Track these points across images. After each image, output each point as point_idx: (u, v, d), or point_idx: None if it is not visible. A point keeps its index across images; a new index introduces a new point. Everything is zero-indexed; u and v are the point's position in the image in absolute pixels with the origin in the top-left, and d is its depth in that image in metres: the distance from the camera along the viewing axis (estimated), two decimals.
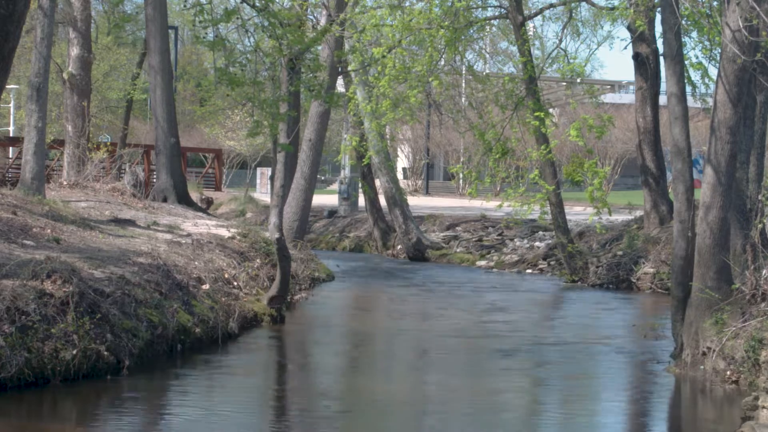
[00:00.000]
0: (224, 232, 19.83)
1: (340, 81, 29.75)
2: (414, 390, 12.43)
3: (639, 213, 27.49)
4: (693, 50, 24.38)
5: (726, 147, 12.84)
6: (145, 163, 39.12)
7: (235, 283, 16.66)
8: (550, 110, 25.64)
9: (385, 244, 31.56)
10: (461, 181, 51.93)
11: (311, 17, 24.30)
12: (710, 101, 21.63)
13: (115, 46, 43.82)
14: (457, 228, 32.13)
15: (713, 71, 23.42)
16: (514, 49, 29.44)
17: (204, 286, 15.26)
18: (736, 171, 13.57)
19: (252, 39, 15.81)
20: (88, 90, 28.96)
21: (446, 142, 55.86)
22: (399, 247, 30.75)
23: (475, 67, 33.94)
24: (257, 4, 15.39)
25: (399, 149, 56.04)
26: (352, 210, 36.65)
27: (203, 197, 32.47)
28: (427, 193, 55.38)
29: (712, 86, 17.48)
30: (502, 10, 25.55)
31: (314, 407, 11.65)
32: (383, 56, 23.64)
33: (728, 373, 12.39)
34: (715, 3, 17.23)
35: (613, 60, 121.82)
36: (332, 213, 36.77)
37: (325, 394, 12.41)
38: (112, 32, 39.92)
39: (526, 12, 25.69)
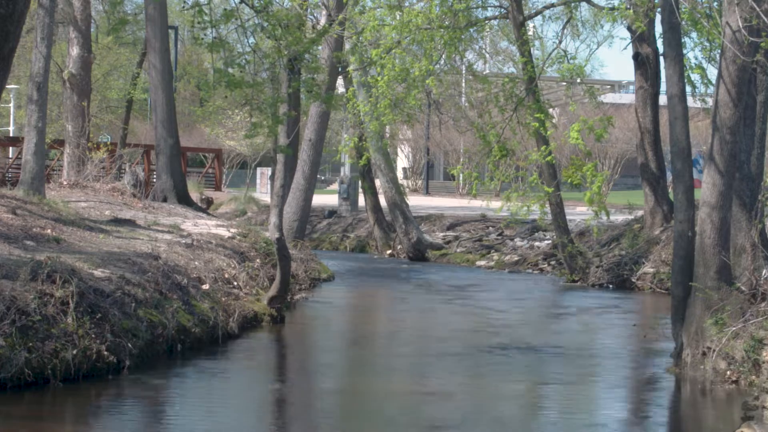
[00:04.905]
0: (224, 232, 19.84)
1: (340, 81, 29.77)
2: (414, 390, 12.43)
3: (639, 213, 27.49)
4: (692, 51, 24.35)
5: (726, 147, 12.85)
6: (145, 163, 39.15)
7: (235, 283, 16.66)
8: (550, 110, 25.62)
9: (386, 244, 31.59)
10: (461, 181, 51.96)
11: (311, 18, 24.30)
12: (710, 101, 21.63)
13: (115, 46, 43.82)
14: (457, 228, 32.17)
15: (713, 71, 23.44)
16: (515, 49, 29.43)
17: (204, 286, 15.26)
18: (736, 171, 13.58)
19: (251, 40, 15.81)
20: (88, 90, 28.96)
21: (446, 142, 55.89)
22: (399, 247, 30.77)
23: (475, 67, 33.95)
24: (256, 5, 15.39)
25: (399, 149, 56.05)
26: (352, 210, 36.70)
27: (203, 197, 32.52)
28: (427, 193, 55.42)
29: (712, 86, 17.48)
30: (502, 10, 25.56)
31: (314, 407, 11.65)
32: (381, 57, 23.64)
33: (728, 373, 12.39)
34: (715, 3, 17.23)
35: (613, 60, 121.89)
36: (332, 213, 36.80)
37: (325, 394, 12.41)
38: (111, 33, 39.89)
39: (526, 12, 25.69)
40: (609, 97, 55.91)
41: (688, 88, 19.18)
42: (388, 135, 37.15)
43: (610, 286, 23.39)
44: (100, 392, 11.38)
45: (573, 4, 26.40)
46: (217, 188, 46.70)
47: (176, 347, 13.35)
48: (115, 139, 39.02)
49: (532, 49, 24.90)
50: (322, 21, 23.91)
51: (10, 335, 10.99)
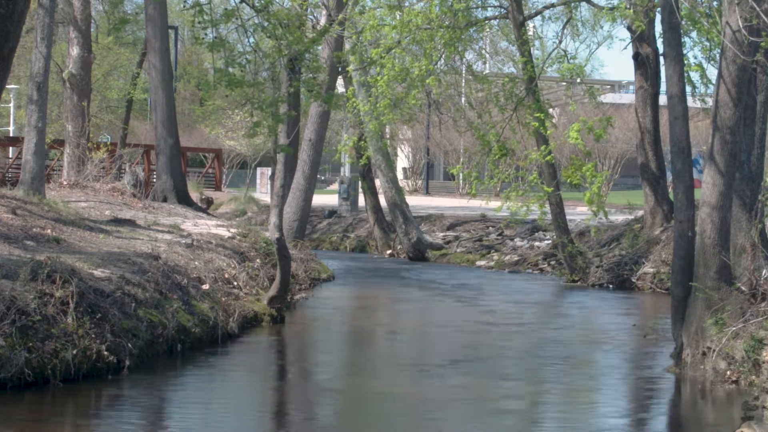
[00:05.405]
0: (224, 232, 19.84)
1: (340, 81, 29.78)
2: (414, 390, 12.43)
3: (639, 213, 27.48)
4: (692, 50, 24.34)
5: (726, 147, 12.85)
6: (145, 163, 39.15)
7: (235, 283, 16.66)
8: (550, 110, 25.61)
9: (386, 244, 31.60)
10: (461, 181, 51.97)
11: (311, 18, 24.30)
12: (710, 101, 21.63)
13: (115, 46, 43.81)
14: (457, 228, 32.18)
15: (712, 71, 23.44)
16: (515, 49, 29.44)
17: (204, 286, 15.26)
18: (736, 171, 13.58)
19: (252, 39, 15.82)
20: (88, 90, 28.96)
21: (446, 142, 55.89)
22: (399, 247, 30.78)
23: (475, 67, 33.94)
24: (257, 5, 15.40)
25: (399, 149, 56.04)
26: (352, 210, 36.70)
27: (203, 197, 32.50)
28: (427, 193, 55.42)
29: (712, 86, 17.49)
30: (502, 10, 25.56)
31: (314, 407, 11.65)
32: (381, 57, 23.65)
33: (728, 373, 12.39)
34: (715, 3, 17.24)
35: (613, 60, 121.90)
36: (332, 213, 36.80)
37: (325, 394, 12.41)
38: (112, 32, 39.91)
39: (526, 12, 25.69)
40: (609, 97, 55.91)
41: (688, 88, 19.18)
42: (388, 135, 37.18)
43: (610, 286, 23.39)
44: (100, 392, 11.38)
45: (573, 4, 26.40)
46: (217, 188, 46.70)
47: (176, 347, 13.35)
48: (115, 139, 39.01)
49: (532, 49, 24.91)
50: (322, 21, 23.92)
51: (10, 335, 10.99)
